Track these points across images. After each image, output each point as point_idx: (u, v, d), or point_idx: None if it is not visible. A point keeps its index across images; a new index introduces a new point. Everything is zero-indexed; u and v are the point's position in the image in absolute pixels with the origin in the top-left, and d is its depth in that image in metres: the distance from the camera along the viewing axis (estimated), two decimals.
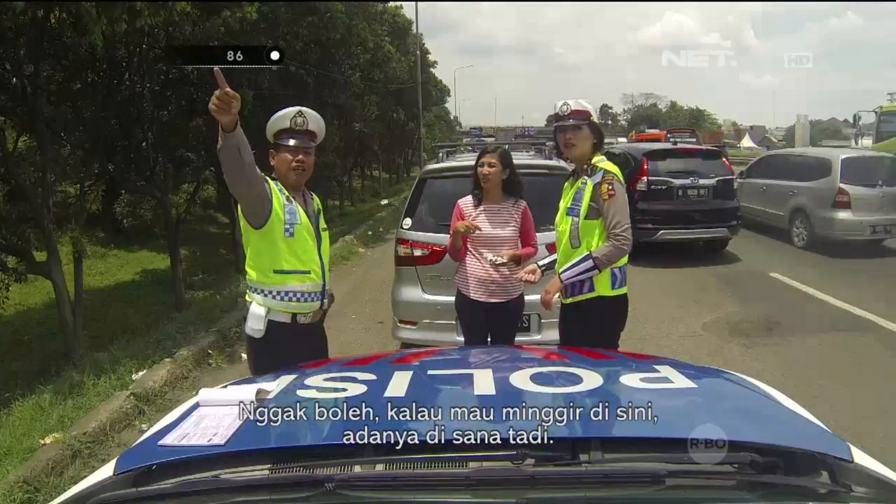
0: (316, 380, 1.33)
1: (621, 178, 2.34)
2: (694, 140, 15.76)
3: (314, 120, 2.22)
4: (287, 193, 2.17)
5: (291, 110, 2.19)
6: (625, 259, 2.41)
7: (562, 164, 3.96)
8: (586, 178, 2.37)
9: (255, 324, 2.15)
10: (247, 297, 2.24)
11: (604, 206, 2.30)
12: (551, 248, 3.23)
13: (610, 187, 2.29)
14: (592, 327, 2.37)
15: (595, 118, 2.45)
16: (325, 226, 2.36)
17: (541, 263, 2.60)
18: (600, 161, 2.37)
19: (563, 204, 2.49)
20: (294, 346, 2.15)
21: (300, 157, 2.18)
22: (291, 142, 2.16)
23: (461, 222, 2.71)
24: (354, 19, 10.05)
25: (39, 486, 2.66)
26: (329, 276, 2.33)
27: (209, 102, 1.82)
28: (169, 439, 1.04)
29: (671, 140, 12.06)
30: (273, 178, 2.17)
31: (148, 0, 4.67)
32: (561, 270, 2.40)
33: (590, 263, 2.30)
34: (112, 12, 4.55)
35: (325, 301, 2.32)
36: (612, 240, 2.29)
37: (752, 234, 8.70)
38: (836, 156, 7.90)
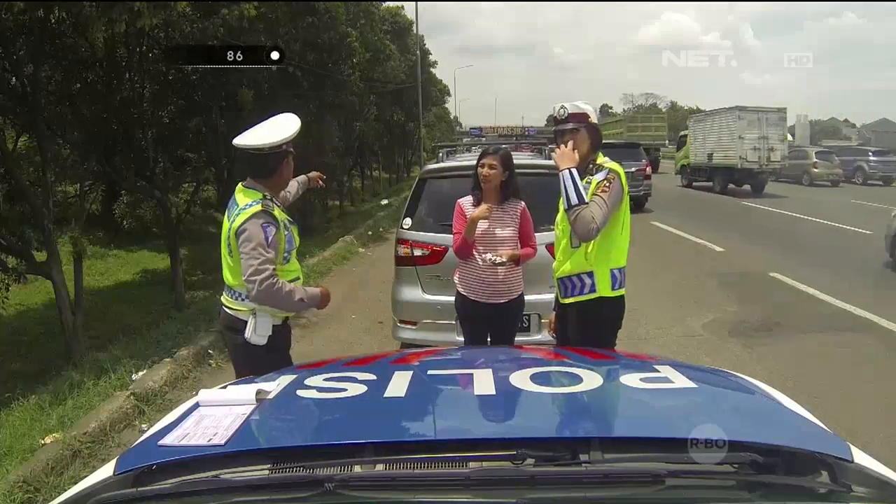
0: (316, 380, 1.32)
1: (624, 180, 2.36)
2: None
3: None
4: (282, 218, 2.18)
5: (295, 116, 2.28)
6: (623, 261, 2.42)
7: None
8: (590, 177, 2.37)
9: (264, 331, 2.17)
10: (235, 306, 2.22)
11: (594, 196, 2.27)
12: (551, 247, 3.24)
13: (607, 184, 2.29)
14: (591, 327, 2.37)
15: (594, 119, 2.46)
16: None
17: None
18: (606, 161, 2.39)
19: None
20: (282, 344, 2.27)
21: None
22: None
23: (481, 207, 2.67)
24: (350, 20, 10.05)
25: (39, 486, 2.66)
26: None
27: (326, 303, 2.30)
28: (169, 439, 1.03)
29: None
30: (268, 198, 2.15)
31: (147, 0, 4.66)
32: (570, 167, 2.27)
33: (575, 200, 2.22)
34: (112, 12, 4.54)
35: None
36: (591, 221, 2.21)
37: None
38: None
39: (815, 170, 20.04)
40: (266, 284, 2.02)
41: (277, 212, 2.16)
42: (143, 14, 4.62)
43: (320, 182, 2.87)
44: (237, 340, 2.21)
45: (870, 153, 22.56)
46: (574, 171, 2.28)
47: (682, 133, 21.04)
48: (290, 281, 2.22)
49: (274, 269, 2.06)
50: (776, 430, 1.08)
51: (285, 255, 2.19)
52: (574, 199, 2.24)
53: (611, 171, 2.34)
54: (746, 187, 16.75)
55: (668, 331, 4.87)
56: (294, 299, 2.12)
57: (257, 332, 2.17)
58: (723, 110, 17.54)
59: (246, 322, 2.18)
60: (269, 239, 2.05)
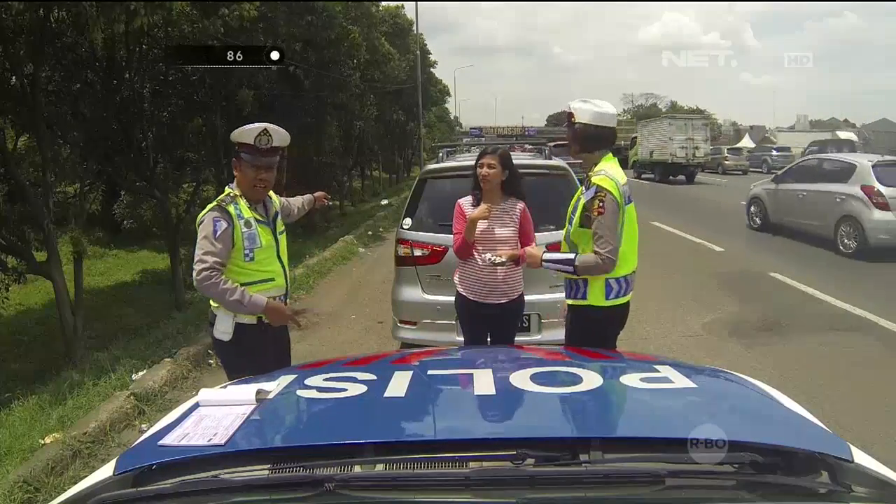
0: (316, 380, 1.32)
1: (617, 193, 2.25)
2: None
3: (278, 136, 2.24)
4: (247, 216, 2.21)
5: (256, 128, 2.20)
6: (625, 270, 2.37)
7: (562, 163, 3.98)
8: (583, 192, 2.37)
9: (224, 328, 2.22)
10: (211, 302, 2.28)
11: (593, 223, 2.27)
12: (551, 247, 3.23)
13: (600, 204, 2.24)
14: (587, 331, 2.36)
15: (582, 118, 2.35)
16: (283, 228, 2.43)
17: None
18: (597, 173, 2.31)
19: (570, 207, 2.48)
20: (261, 345, 2.26)
21: (262, 175, 2.25)
22: (253, 161, 2.21)
23: (480, 207, 2.66)
24: (350, 20, 10.06)
25: (39, 486, 2.66)
26: (290, 276, 2.45)
27: (282, 318, 2.29)
28: (169, 439, 1.04)
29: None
30: (230, 196, 2.21)
31: (145, 0, 4.67)
32: (545, 252, 2.43)
33: (569, 268, 2.32)
34: (110, 12, 4.55)
35: (289, 301, 2.42)
36: (597, 255, 2.26)
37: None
38: None
39: (727, 162, 26.39)
40: (202, 276, 2.11)
41: (241, 209, 2.20)
42: (139, 13, 4.62)
43: (325, 201, 2.95)
44: (211, 334, 2.31)
45: (773, 150, 29.20)
46: (546, 256, 2.42)
47: (634, 135, 26.11)
48: (260, 281, 2.24)
49: (216, 262, 2.12)
50: (776, 430, 1.08)
51: (246, 252, 2.19)
52: (570, 268, 2.32)
53: (599, 188, 2.26)
54: (681, 177, 21.18)
55: (668, 331, 4.87)
56: (228, 297, 2.13)
57: (218, 327, 2.23)
58: (660, 117, 23.58)
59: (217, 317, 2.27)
60: (217, 233, 2.13)
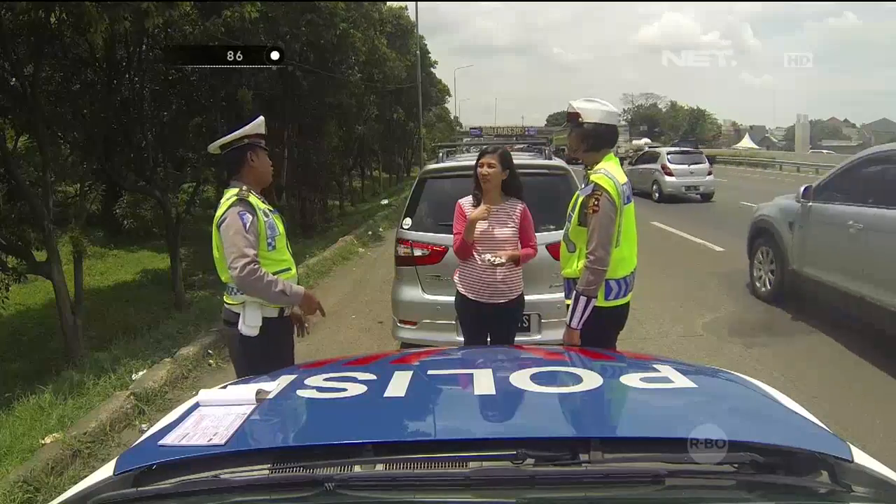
0: (316, 380, 1.32)
1: (614, 193, 2.25)
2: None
3: None
4: (262, 206, 2.26)
5: (261, 118, 2.36)
6: (623, 271, 2.38)
7: (562, 163, 3.98)
8: (583, 187, 2.37)
9: (254, 322, 2.23)
10: (229, 300, 2.29)
11: (589, 221, 2.28)
12: (551, 247, 3.24)
13: (595, 202, 2.24)
14: (587, 332, 2.35)
15: (590, 118, 2.36)
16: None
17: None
18: (597, 171, 2.32)
19: (570, 206, 2.49)
20: (280, 337, 2.31)
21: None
22: (264, 143, 2.34)
23: (479, 208, 2.65)
24: (350, 21, 10.05)
25: (39, 486, 2.66)
26: None
27: (313, 308, 2.37)
28: (169, 439, 1.03)
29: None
30: (244, 189, 2.23)
31: (156, 0, 4.66)
32: (568, 321, 2.37)
33: (584, 300, 2.30)
34: (115, 12, 4.54)
35: None
36: (586, 265, 2.27)
37: None
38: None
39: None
40: (248, 270, 2.10)
41: (255, 200, 2.23)
42: (151, 13, 4.61)
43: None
44: (233, 333, 2.29)
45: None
46: (571, 323, 2.32)
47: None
48: (281, 270, 2.28)
49: (255, 255, 2.14)
50: (776, 429, 1.08)
51: (269, 241, 2.23)
52: (584, 299, 2.29)
53: (596, 186, 2.26)
54: None
55: (668, 331, 4.87)
56: (274, 289, 2.17)
57: (247, 322, 2.23)
58: None
59: (240, 315, 2.25)
60: (247, 226, 2.15)
